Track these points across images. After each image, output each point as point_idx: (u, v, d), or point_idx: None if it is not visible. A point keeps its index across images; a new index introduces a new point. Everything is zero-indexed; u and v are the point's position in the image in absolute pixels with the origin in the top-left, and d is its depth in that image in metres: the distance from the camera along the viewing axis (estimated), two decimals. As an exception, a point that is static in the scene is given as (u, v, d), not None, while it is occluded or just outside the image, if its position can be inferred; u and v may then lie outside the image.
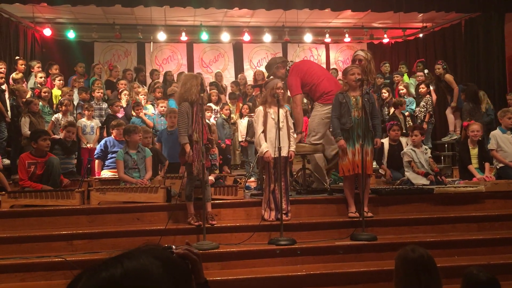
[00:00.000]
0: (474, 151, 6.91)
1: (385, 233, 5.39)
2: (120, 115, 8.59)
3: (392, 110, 9.41)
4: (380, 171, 7.65)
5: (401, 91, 9.64)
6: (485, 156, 6.94)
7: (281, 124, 5.24)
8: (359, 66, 5.80)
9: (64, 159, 6.85)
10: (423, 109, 9.14)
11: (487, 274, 2.69)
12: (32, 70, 9.28)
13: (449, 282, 3.46)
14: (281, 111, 5.28)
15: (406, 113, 9.16)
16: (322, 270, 4.74)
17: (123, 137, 6.52)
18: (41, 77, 8.76)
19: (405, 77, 10.66)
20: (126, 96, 9.08)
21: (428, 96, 9.20)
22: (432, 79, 9.75)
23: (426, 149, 6.94)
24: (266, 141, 5.35)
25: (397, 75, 10.45)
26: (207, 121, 7.24)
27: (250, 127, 8.57)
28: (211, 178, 5.84)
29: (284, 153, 5.28)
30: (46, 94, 8.29)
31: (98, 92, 8.96)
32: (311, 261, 4.94)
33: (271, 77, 6.44)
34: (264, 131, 5.39)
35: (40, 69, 9.17)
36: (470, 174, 6.78)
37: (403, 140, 7.49)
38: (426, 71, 10.14)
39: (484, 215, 5.76)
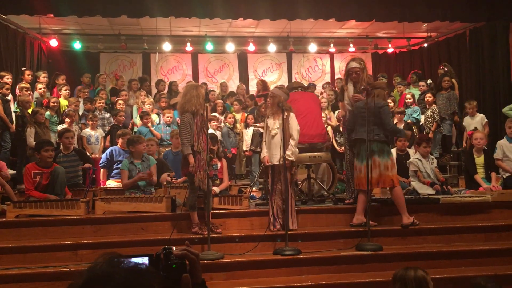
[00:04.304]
0: (479, 160, 6.87)
1: (391, 243, 5.36)
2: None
3: (395, 120, 9.36)
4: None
5: (407, 100, 9.59)
6: (491, 165, 6.90)
7: (273, 132, 5.42)
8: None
9: (73, 172, 6.77)
10: (430, 119, 9.10)
11: (495, 285, 2.66)
12: (38, 80, 9.32)
13: (456, 292, 3.43)
14: (278, 120, 5.38)
15: (409, 121, 9.09)
16: (327, 280, 4.71)
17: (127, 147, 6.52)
18: (40, 88, 8.76)
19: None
20: (121, 106, 9.05)
21: (434, 105, 9.15)
22: (436, 90, 9.67)
23: (432, 159, 6.90)
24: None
25: (400, 86, 10.44)
26: (211, 130, 7.25)
27: (255, 136, 8.57)
28: (215, 188, 5.82)
29: (275, 161, 5.38)
30: (55, 104, 8.32)
31: (100, 103, 9.00)
32: (316, 272, 4.91)
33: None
34: (265, 140, 5.59)
35: (46, 79, 9.21)
36: (476, 184, 6.73)
37: (411, 150, 7.46)
38: (429, 81, 10.09)
39: (491, 225, 5.72)
